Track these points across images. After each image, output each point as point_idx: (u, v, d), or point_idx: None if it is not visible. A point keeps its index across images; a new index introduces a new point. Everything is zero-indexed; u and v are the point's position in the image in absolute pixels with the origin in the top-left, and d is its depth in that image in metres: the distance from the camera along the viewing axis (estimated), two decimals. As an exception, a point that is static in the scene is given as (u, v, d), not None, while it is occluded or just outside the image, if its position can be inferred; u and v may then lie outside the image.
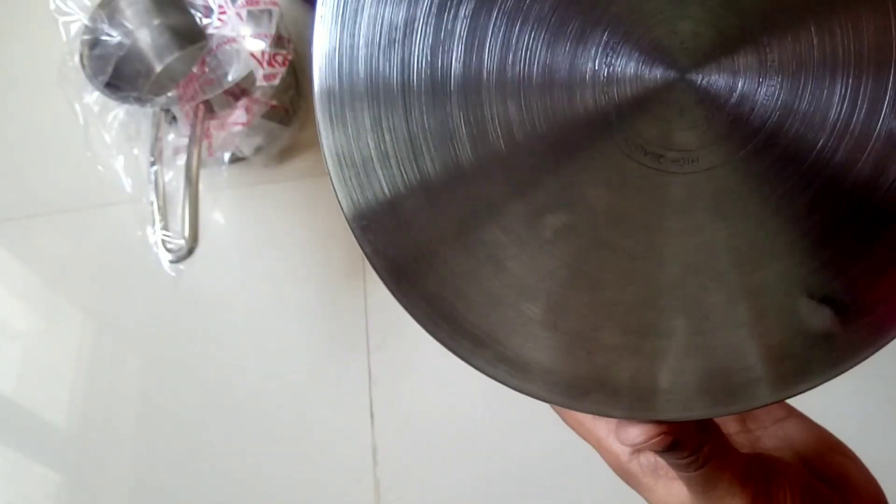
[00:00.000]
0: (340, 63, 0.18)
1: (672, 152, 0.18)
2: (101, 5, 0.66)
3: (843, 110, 0.18)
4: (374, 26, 0.18)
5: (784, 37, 0.17)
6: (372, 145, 0.18)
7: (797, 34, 0.17)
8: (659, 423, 0.20)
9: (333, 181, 0.19)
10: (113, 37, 0.67)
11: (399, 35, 0.18)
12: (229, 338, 0.65)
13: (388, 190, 0.19)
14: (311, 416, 0.61)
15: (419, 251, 0.19)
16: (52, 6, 0.64)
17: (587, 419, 0.26)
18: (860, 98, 0.17)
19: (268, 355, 0.64)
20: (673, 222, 0.19)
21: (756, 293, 0.19)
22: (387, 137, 0.18)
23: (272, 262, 0.68)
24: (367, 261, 0.19)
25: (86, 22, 0.65)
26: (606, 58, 0.18)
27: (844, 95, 0.18)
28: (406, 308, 0.19)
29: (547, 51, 0.18)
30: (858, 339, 0.19)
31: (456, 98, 0.18)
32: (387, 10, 0.18)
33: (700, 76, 0.18)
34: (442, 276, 0.19)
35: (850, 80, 0.17)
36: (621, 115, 0.18)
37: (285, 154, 0.72)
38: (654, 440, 0.20)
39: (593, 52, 0.18)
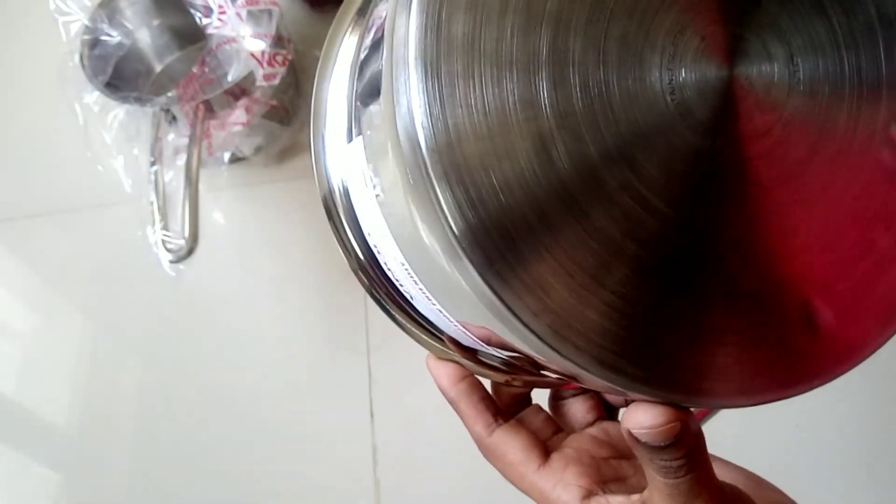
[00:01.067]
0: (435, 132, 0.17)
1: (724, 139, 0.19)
2: (101, 5, 0.66)
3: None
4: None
5: (805, 26, 0.20)
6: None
7: (814, 22, 0.20)
8: (676, 407, 0.19)
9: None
10: (113, 37, 0.67)
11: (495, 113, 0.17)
12: (229, 338, 0.65)
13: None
14: (311, 416, 0.61)
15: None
16: (52, 6, 0.64)
17: (529, 471, 0.26)
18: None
19: (268, 355, 0.64)
20: (717, 200, 0.19)
21: (781, 285, 0.19)
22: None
23: (272, 262, 0.68)
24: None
25: (86, 22, 0.65)
26: (673, 53, 0.19)
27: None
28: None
29: (616, 44, 0.18)
30: (843, 347, 0.20)
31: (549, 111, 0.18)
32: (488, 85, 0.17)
33: (752, 69, 0.19)
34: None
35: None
36: (685, 109, 0.19)
37: (285, 154, 0.72)
38: (669, 425, 0.19)
39: (662, 46, 0.19)
